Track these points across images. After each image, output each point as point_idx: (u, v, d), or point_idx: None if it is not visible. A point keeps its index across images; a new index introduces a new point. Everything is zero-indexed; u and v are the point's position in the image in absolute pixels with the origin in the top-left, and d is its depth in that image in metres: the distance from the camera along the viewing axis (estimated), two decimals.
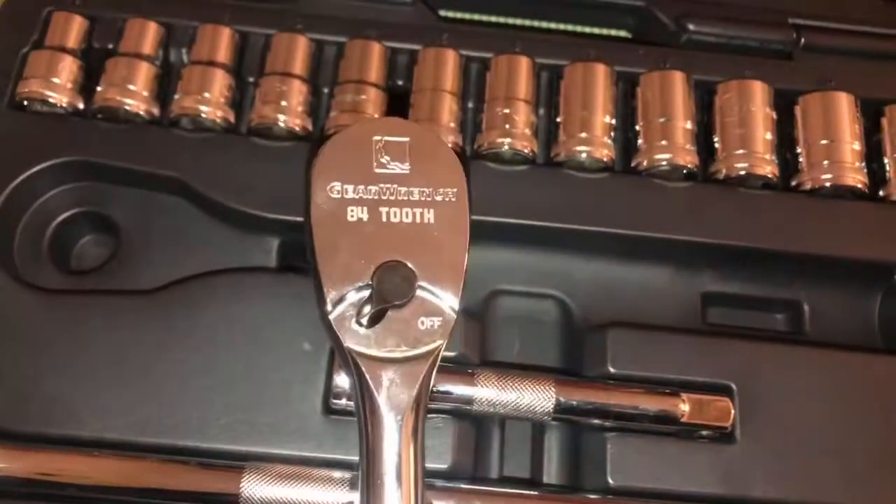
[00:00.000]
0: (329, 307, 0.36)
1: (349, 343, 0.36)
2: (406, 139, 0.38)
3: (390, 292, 0.35)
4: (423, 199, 0.37)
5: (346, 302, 0.36)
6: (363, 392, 0.36)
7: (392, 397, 0.35)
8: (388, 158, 0.38)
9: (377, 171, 0.38)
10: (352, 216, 0.37)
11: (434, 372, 0.36)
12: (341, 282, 0.36)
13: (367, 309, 0.36)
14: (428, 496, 0.38)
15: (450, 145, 0.41)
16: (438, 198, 0.38)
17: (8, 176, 0.45)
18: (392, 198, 0.37)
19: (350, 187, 0.37)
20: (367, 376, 0.35)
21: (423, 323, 0.36)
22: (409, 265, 0.36)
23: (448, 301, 0.36)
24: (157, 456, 0.40)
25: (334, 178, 0.37)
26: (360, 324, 0.36)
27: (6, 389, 0.40)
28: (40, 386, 0.41)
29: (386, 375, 0.35)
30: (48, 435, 0.40)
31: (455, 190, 0.38)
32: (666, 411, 0.41)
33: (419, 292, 0.36)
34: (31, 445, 0.39)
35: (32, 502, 0.39)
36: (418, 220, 0.37)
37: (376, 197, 0.37)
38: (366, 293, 0.36)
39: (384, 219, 0.37)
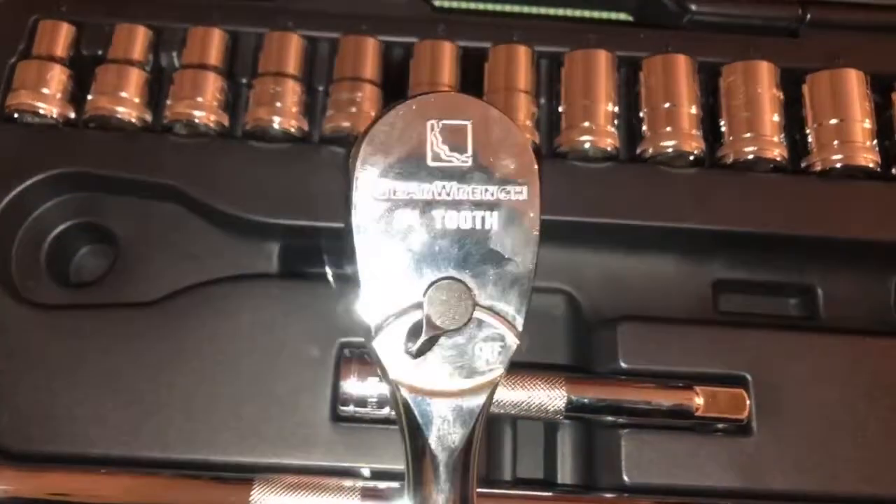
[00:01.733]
0: (373, 332, 0.30)
1: (395, 374, 0.31)
2: (467, 121, 0.31)
3: (444, 317, 0.30)
4: (485, 198, 0.31)
5: (393, 326, 0.30)
6: (411, 430, 0.31)
7: (443, 437, 0.31)
8: (445, 148, 0.31)
9: (431, 164, 0.31)
10: (400, 222, 0.31)
11: (490, 406, 0.32)
12: (387, 303, 0.30)
13: (415, 335, 0.30)
14: None
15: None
16: (504, 196, 0.31)
17: (1, 191, 0.44)
18: (448, 198, 0.31)
19: (399, 186, 0.31)
20: (416, 412, 0.31)
21: (480, 349, 0.31)
22: (467, 282, 0.30)
23: (510, 323, 0.31)
24: (166, 471, 0.39)
25: (380, 176, 0.31)
26: (409, 353, 0.31)
27: (11, 409, 0.40)
28: (45, 404, 0.40)
29: (437, 412, 0.31)
30: (55, 454, 0.40)
31: (525, 186, 0.31)
32: (680, 405, 0.40)
33: (477, 313, 0.31)
34: (38, 466, 0.39)
35: None
36: (479, 224, 0.31)
37: (430, 197, 0.31)
38: (415, 316, 0.30)
39: (438, 225, 0.31)
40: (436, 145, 0.31)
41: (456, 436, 0.31)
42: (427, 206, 0.31)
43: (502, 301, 0.31)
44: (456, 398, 0.31)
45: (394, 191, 0.31)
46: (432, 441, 0.31)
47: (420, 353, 0.30)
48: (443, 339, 0.31)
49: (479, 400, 0.31)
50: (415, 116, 0.31)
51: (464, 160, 0.31)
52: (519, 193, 0.31)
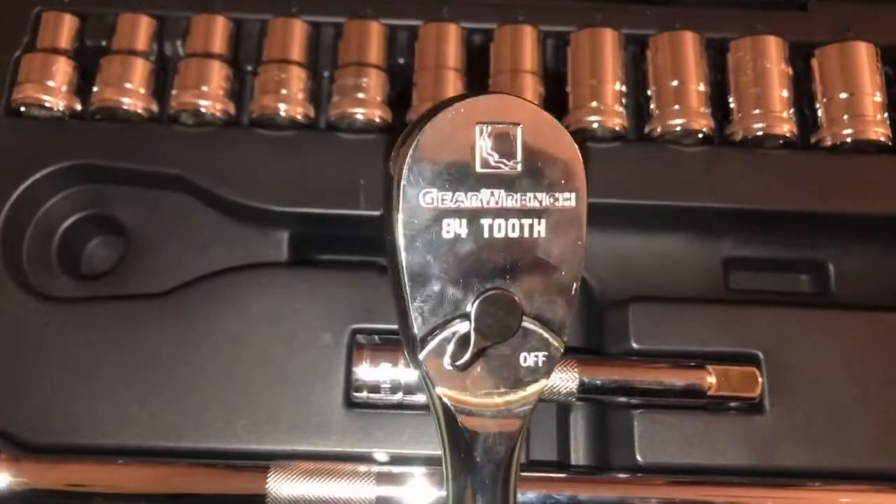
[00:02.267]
0: (417, 344, 0.30)
1: (441, 388, 0.30)
2: (518, 124, 0.30)
3: (492, 329, 0.29)
4: (535, 205, 0.30)
5: (439, 338, 0.29)
6: (453, 442, 0.31)
7: (489, 449, 0.30)
8: (494, 154, 0.30)
9: (480, 170, 0.29)
10: (447, 232, 0.29)
11: (532, 415, 0.31)
12: (433, 314, 0.29)
13: (461, 347, 0.30)
14: None
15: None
16: (553, 203, 0.30)
17: (10, 185, 0.44)
18: (497, 205, 0.30)
19: (447, 194, 0.29)
20: (462, 425, 0.30)
21: (525, 359, 0.30)
22: (514, 293, 0.30)
23: (555, 332, 0.30)
24: (182, 460, 0.40)
25: (427, 183, 0.29)
26: (455, 365, 0.30)
27: (28, 403, 0.40)
28: (61, 397, 0.40)
29: (483, 424, 0.30)
30: (72, 445, 0.40)
31: (575, 193, 0.30)
32: (692, 385, 0.40)
33: (524, 323, 0.30)
34: (56, 458, 0.39)
35: None
36: (527, 233, 0.30)
37: (479, 205, 0.30)
38: (461, 328, 0.29)
39: (486, 234, 0.30)
40: (485, 150, 0.30)
41: (501, 447, 0.30)
42: (475, 214, 0.30)
43: (549, 310, 0.30)
44: (501, 409, 0.30)
45: (441, 199, 0.29)
46: (477, 454, 0.30)
47: (466, 365, 0.30)
48: (489, 351, 0.30)
49: (523, 410, 0.31)
50: (465, 118, 0.30)
51: (513, 166, 0.30)
52: (567, 200, 0.30)
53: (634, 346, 0.42)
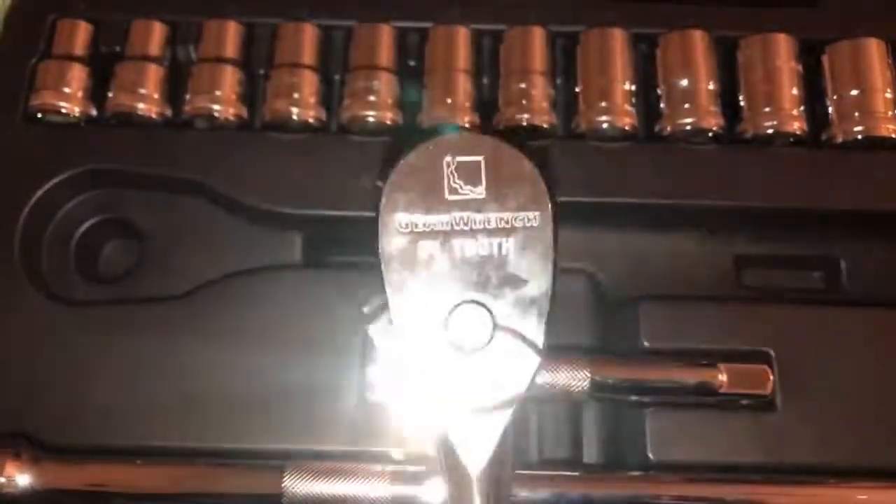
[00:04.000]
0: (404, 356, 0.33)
1: (430, 398, 0.33)
2: (480, 157, 0.34)
3: (465, 339, 0.32)
4: (500, 226, 0.33)
5: (422, 349, 0.33)
6: (443, 446, 0.33)
7: (473, 451, 0.33)
8: (460, 182, 0.33)
9: (449, 197, 0.33)
10: (423, 253, 0.33)
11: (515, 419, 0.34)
12: (414, 327, 0.33)
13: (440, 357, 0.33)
14: None
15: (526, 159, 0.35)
16: (518, 223, 0.33)
17: (28, 190, 0.45)
18: (466, 228, 0.33)
19: (420, 220, 0.33)
20: (447, 429, 0.33)
21: (502, 368, 0.33)
22: (487, 305, 0.33)
23: (530, 342, 0.33)
24: (199, 460, 0.40)
25: (402, 210, 0.33)
26: (439, 377, 0.33)
27: (48, 405, 0.41)
28: (80, 398, 0.41)
29: (464, 428, 0.32)
30: (91, 446, 0.41)
31: (539, 213, 0.33)
32: (704, 383, 0.41)
33: (498, 333, 0.33)
34: (75, 458, 0.40)
35: None
36: (496, 251, 0.33)
37: (449, 228, 0.33)
38: (441, 339, 0.33)
39: (458, 252, 0.33)
40: (453, 180, 0.33)
41: (486, 451, 0.33)
42: (447, 236, 0.33)
43: (521, 321, 0.33)
44: (481, 415, 0.33)
45: (416, 224, 0.33)
46: (462, 454, 0.33)
47: (446, 372, 0.32)
48: (469, 359, 0.32)
49: (505, 415, 0.33)
50: (433, 155, 0.34)
51: (478, 193, 0.34)
52: (532, 220, 0.33)
53: (646, 344, 0.42)
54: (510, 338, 0.33)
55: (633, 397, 0.41)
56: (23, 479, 0.39)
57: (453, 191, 0.33)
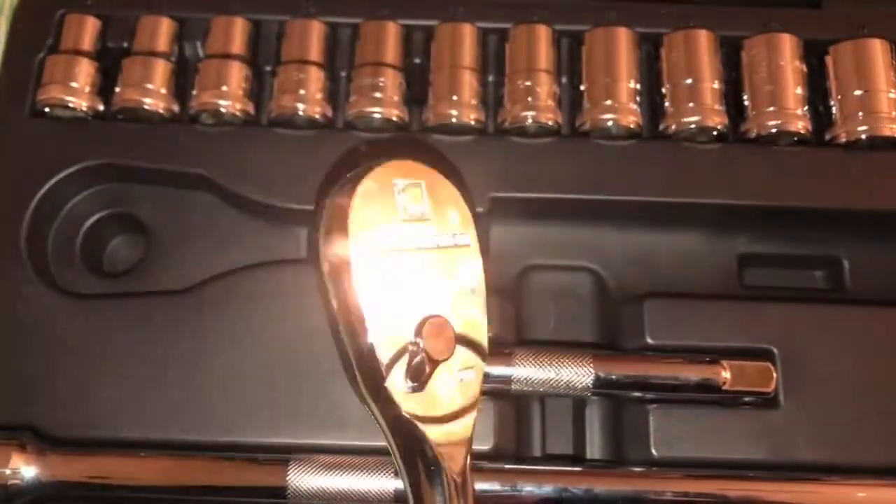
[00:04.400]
0: (383, 373, 0.32)
1: (408, 408, 0.33)
2: (421, 182, 0.35)
3: (438, 349, 0.32)
4: (443, 244, 0.35)
5: (397, 366, 0.33)
6: (420, 456, 0.34)
7: (452, 454, 0.33)
8: (409, 204, 0.34)
9: (402, 218, 0.34)
10: (385, 270, 0.33)
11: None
12: (389, 344, 0.32)
13: (415, 370, 0.33)
14: (474, 478, 0.37)
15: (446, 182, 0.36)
16: (456, 242, 0.35)
17: (35, 184, 0.45)
18: (419, 245, 0.34)
19: (382, 240, 0.33)
20: (429, 439, 0.33)
21: (462, 372, 0.34)
22: (446, 317, 0.33)
23: (479, 348, 0.35)
24: (204, 453, 0.40)
25: (366, 231, 0.33)
26: (413, 388, 0.33)
27: (53, 397, 0.41)
28: (86, 392, 0.41)
29: (442, 433, 0.33)
30: (96, 439, 0.41)
31: (468, 235, 0.35)
32: (707, 380, 0.41)
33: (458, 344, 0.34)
34: (80, 451, 0.40)
35: None
36: (444, 266, 0.34)
37: (406, 246, 0.34)
38: (413, 354, 0.33)
39: (418, 269, 0.34)
40: (402, 202, 0.34)
41: (461, 450, 0.34)
42: (406, 254, 0.34)
43: (472, 330, 0.34)
44: (455, 419, 0.34)
45: (379, 244, 0.33)
46: (444, 460, 0.33)
47: (423, 384, 0.33)
48: (435, 371, 0.33)
49: (471, 417, 0.34)
50: (384, 177, 0.34)
51: (424, 214, 0.34)
52: (465, 240, 0.35)
53: (650, 341, 0.42)
54: (463, 346, 0.34)
55: (637, 394, 0.41)
56: (28, 471, 0.39)
57: (405, 212, 0.34)
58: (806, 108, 0.46)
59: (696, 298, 0.43)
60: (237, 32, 0.48)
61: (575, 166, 0.45)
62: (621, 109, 0.45)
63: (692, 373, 0.41)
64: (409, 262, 0.33)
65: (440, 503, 0.34)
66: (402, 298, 0.33)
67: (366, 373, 0.33)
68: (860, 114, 0.45)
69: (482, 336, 0.35)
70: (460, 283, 0.34)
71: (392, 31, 0.48)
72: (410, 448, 0.34)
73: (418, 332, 0.32)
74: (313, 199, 0.44)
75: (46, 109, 0.46)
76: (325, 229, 0.34)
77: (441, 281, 0.34)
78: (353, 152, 0.45)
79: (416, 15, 0.48)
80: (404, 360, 0.33)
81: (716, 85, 0.46)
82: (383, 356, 0.32)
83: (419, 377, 0.32)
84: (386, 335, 0.32)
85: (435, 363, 0.33)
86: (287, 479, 0.39)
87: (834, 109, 0.46)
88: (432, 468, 0.33)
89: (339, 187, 0.34)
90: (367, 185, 0.34)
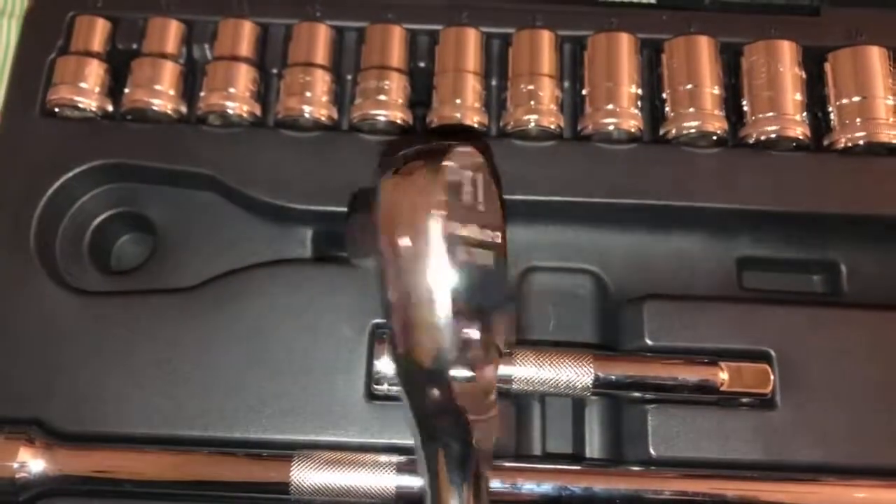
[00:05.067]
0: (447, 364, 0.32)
1: (462, 400, 0.33)
2: (480, 175, 0.35)
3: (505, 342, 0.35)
4: (487, 238, 0.35)
5: (460, 355, 0.33)
6: (464, 451, 0.34)
7: (483, 444, 0.35)
8: (471, 191, 0.34)
9: (465, 203, 0.34)
10: (456, 255, 0.32)
11: None
12: (457, 332, 0.32)
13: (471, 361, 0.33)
14: None
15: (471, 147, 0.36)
16: (495, 238, 0.36)
17: (45, 182, 0.45)
18: (474, 236, 0.34)
19: (453, 224, 0.33)
20: (474, 431, 0.34)
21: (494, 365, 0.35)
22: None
23: (500, 343, 0.36)
24: (208, 448, 0.41)
25: (439, 213, 0.32)
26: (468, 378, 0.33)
27: (60, 393, 0.42)
28: (93, 387, 0.42)
29: (486, 423, 0.35)
30: (103, 433, 0.41)
31: (499, 232, 0.36)
32: (705, 381, 0.41)
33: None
34: (86, 445, 0.41)
35: (92, 499, 0.41)
36: (486, 261, 0.35)
37: (468, 234, 0.34)
38: (473, 344, 0.33)
39: (474, 260, 0.34)
40: (465, 189, 0.34)
41: (490, 442, 0.35)
42: (468, 242, 0.34)
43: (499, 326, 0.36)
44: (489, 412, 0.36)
45: (453, 228, 0.33)
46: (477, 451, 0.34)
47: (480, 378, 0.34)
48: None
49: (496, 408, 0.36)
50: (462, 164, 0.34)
51: (479, 204, 0.35)
52: (499, 237, 0.36)
53: (649, 342, 0.43)
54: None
55: (636, 394, 0.42)
56: (36, 465, 0.39)
57: (471, 198, 0.34)
58: (805, 113, 0.47)
59: (695, 301, 0.44)
60: (245, 35, 0.48)
61: (576, 170, 0.46)
62: (623, 114, 0.46)
63: (691, 374, 0.41)
64: (471, 251, 0.34)
65: (460, 499, 0.34)
66: (467, 287, 0.33)
67: (425, 354, 0.32)
68: (858, 120, 0.46)
69: (508, 333, 0.37)
70: (495, 278, 0.35)
71: (397, 35, 0.48)
72: (442, 439, 0.34)
73: (485, 322, 0.33)
74: (318, 199, 0.45)
75: (56, 110, 0.47)
76: (409, 205, 0.33)
77: (486, 274, 0.35)
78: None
79: (420, 19, 0.49)
80: (465, 349, 0.33)
81: (716, 90, 0.47)
82: (453, 344, 0.32)
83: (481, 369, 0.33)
84: (454, 323, 0.32)
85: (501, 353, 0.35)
86: (290, 474, 0.39)
87: (832, 115, 0.47)
88: (464, 460, 0.34)
89: (423, 159, 0.33)
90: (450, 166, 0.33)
